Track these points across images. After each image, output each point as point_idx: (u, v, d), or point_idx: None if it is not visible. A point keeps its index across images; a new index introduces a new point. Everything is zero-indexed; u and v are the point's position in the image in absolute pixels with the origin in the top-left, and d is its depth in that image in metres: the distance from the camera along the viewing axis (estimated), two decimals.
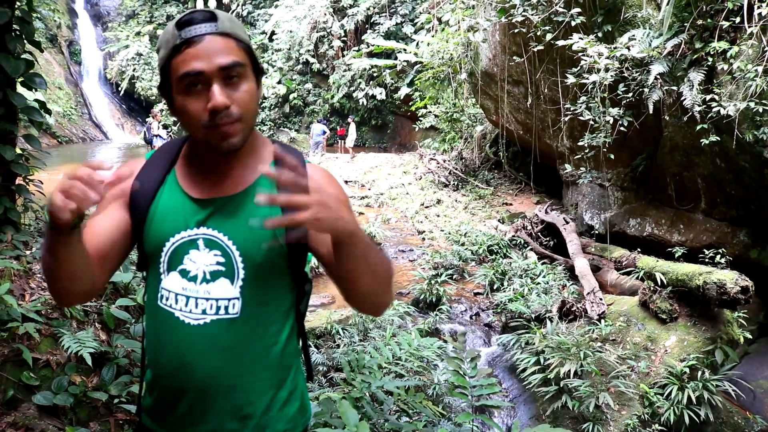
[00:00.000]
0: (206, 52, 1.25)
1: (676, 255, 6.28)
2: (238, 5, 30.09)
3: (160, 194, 1.42)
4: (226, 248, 1.36)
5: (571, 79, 6.87)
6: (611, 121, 6.67)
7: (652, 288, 5.73)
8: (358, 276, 1.27)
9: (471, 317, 7.16)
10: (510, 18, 7.92)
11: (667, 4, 6.02)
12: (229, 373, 1.39)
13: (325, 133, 20.95)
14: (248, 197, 1.38)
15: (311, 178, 1.27)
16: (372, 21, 25.52)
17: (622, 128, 6.66)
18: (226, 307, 1.37)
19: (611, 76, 6.42)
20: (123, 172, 1.18)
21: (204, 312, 1.37)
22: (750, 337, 5.57)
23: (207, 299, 1.37)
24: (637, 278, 6.37)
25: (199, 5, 30.23)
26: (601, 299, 6.03)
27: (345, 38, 26.52)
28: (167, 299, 1.39)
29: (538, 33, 7.61)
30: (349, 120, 22.07)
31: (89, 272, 1.34)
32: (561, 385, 4.92)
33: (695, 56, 5.89)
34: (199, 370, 1.37)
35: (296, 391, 1.51)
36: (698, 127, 5.78)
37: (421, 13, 20.41)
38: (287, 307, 1.46)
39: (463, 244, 9.33)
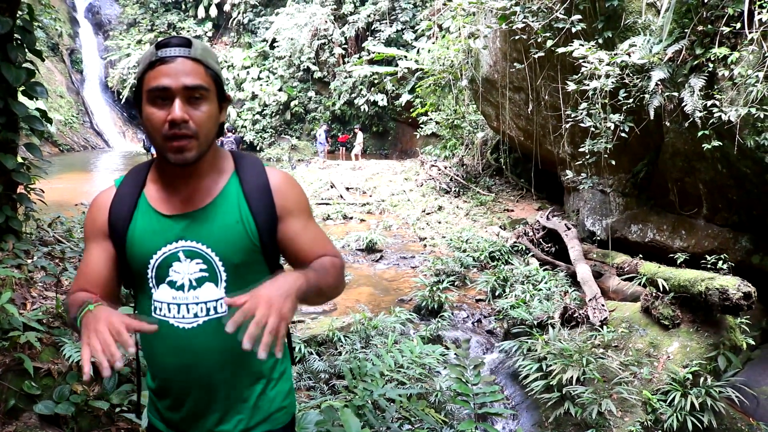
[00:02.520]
0: (175, 72, 1.41)
1: (678, 261, 6.27)
2: (239, 13, 30.16)
3: (135, 218, 1.56)
4: (206, 256, 1.51)
5: (571, 86, 6.88)
6: (612, 127, 6.67)
7: (654, 294, 5.71)
8: (315, 303, 1.54)
9: (473, 324, 7.13)
10: (510, 25, 7.94)
11: (667, 11, 6.04)
12: (227, 366, 1.54)
13: (326, 136, 21.08)
14: (217, 207, 1.54)
15: (274, 188, 1.56)
16: (373, 28, 25.59)
17: (623, 134, 6.66)
18: (215, 308, 1.52)
19: (612, 82, 6.42)
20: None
21: (196, 315, 1.52)
22: (753, 343, 5.56)
23: (197, 303, 1.51)
24: (639, 284, 6.36)
25: (200, 13, 30.34)
26: (603, 305, 6.02)
27: (346, 45, 26.59)
28: (160, 310, 1.53)
29: (539, 40, 7.63)
30: (356, 129, 22.13)
31: None
32: (563, 392, 4.90)
33: (696, 62, 5.90)
34: (201, 367, 1.52)
35: (286, 373, 1.70)
36: (699, 133, 5.78)
37: (421, 20, 20.49)
38: None
39: (464, 251, 9.33)
